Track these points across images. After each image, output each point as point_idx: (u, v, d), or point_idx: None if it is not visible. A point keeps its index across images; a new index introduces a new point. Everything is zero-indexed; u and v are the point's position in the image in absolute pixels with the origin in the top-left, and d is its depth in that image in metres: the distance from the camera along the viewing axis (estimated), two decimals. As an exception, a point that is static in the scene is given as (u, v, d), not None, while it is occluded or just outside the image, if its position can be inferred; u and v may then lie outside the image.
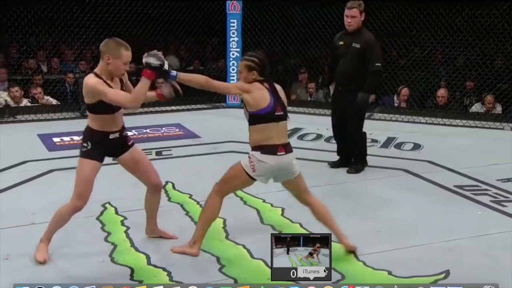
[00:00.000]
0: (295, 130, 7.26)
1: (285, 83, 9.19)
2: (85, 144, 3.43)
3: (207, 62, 10.40)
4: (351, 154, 5.41)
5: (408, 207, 4.47)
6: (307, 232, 3.91)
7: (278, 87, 3.40)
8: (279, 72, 9.36)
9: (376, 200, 4.65)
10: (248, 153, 3.41)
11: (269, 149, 3.32)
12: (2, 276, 3.32)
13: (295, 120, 7.72)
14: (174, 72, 3.28)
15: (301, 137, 6.98)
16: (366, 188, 4.97)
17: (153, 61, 3.15)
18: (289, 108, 7.70)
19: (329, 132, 7.11)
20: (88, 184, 3.43)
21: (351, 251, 3.57)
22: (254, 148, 3.36)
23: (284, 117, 3.39)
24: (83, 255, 3.61)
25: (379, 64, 5.04)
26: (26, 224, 4.10)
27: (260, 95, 3.30)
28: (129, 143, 3.55)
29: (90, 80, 3.26)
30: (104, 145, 3.42)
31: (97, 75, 3.29)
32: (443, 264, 3.49)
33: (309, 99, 9.03)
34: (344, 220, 4.13)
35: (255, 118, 3.33)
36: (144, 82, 3.16)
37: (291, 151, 3.44)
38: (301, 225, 4.07)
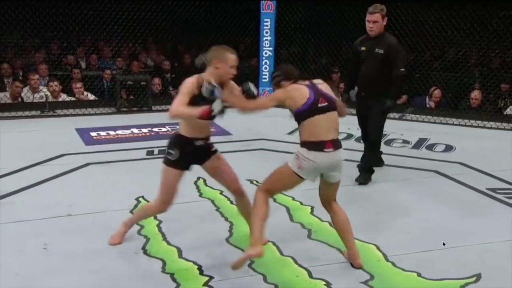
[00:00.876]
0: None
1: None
2: (170, 151, 3.38)
3: (240, 61, 10.41)
4: (365, 160, 5.12)
5: (439, 209, 4.39)
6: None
7: (318, 81, 3.32)
8: (311, 71, 9.31)
9: (406, 202, 4.58)
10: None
11: (316, 146, 3.17)
12: (41, 265, 3.40)
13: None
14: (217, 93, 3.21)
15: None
16: (397, 189, 4.91)
17: (205, 92, 3.17)
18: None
19: (360, 132, 7.08)
20: (171, 191, 3.45)
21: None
22: (302, 145, 3.23)
23: (330, 108, 3.23)
24: (118, 246, 3.65)
25: (404, 69, 4.86)
26: (63, 216, 4.18)
27: (299, 94, 3.21)
28: (212, 150, 3.51)
29: (187, 79, 3.28)
30: (190, 152, 3.38)
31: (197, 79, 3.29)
32: (473, 268, 3.41)
33: (340, 98, 8.95)
34: (374, 220, 4.09)
35: (300, 116, 3.22)
36: (193, 112, 3.15)
37: (340, 147, 3.27)
38: (330, 224, 4.04)
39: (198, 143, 3.37)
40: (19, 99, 7.75)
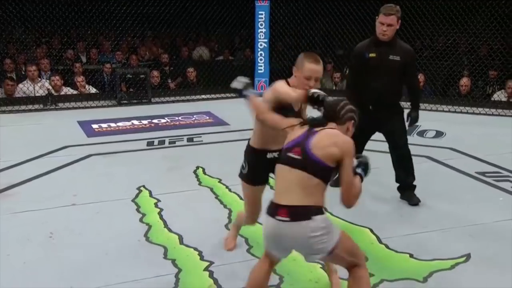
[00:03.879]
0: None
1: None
2: (243, 164, 3.06)
3: (236, 52, 10.40)
4: (404, 179, 4.33)
5: (430, 192, 4.41)
6: (332, 218, 3.90)
7: (326, 131, 2.45)
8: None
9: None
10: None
11: (269, 208, 2.47)
12: (47, 251, 3.41)
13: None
14: (247, 93, 3.03)
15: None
16: (390, 173, 4.93)
17: (236, 85, 3.07)
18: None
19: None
20: (253, 205, 3.11)
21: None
22: None
23: (300, 164, 2.38)
24: (121, 234, 3.66)
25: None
26: (68, 205, 4.18)
27: (293, 132, 2.56)
28: None
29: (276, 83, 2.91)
30: (260, 166, 2.95)
31: (287, 83, 2.92)
32: (464, 248, 3.44)
33: (334, 88, 8.98)
34: (367, 204, 4.10)
35: None
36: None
37: (303, 218, 2.33)
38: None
39: (269, 156, 2.90)
40: (16, 95, 7.68)
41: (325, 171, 2.38)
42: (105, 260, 3.31)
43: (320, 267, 3.14)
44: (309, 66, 2.78)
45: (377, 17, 4.04)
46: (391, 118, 4.16)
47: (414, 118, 4.25)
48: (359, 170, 2.53)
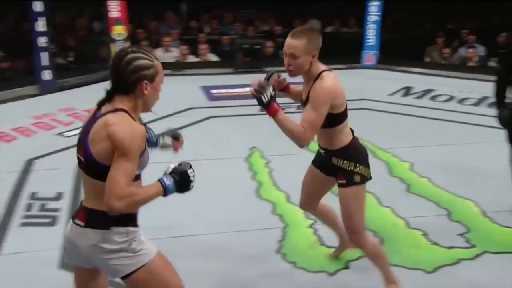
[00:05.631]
0: (428, 91, 6.84)
1: (420, 46, 8.63)
2: None
3: (347, 24, 10.04)
4: None
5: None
6: (437, 189, 3.71)
7: (105, 119, 1.66)
8: (415, 36, 8.79)
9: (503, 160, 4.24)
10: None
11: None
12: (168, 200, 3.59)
13: (428, 81, 7.36)
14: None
15: (433, 98, 6.56)
16: (493, 147, 4.55)
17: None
18: (422, 70, 7.15)
19: (462, 94, 6.61)
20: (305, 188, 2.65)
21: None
22: None
23: (83, 166, 1.72)
24: (235, 189, 3.76)
25: None
26: (190, 160, 4.33)
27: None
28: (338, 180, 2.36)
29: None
30: (318, 159, 2.55)
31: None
32: None
33: (442, 62, 8.40)
34: (472, 178, 3.83)
35: None
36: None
37: (100, 227, 1.70)
38: (429, 180, 3.86)
39: (322, 152, 2.47)
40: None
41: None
42: (220, 212, 3.42)
43: (421, 234, 3.01)
44: (286, 41, 2.18)
45: None
46: None
47: None
48: (165, 180, 1.73)
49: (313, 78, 2.18)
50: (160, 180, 1.72)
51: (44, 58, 6.35)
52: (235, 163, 4.27)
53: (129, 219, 1.74)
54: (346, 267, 2.74)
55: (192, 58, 8.30)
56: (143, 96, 1.72)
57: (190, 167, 1.81)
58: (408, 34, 8.80)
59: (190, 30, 9.17)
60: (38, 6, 6.18)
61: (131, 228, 1.74)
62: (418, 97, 6.66)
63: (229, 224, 3.22)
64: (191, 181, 1.79)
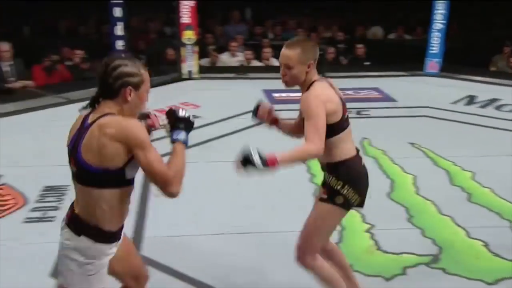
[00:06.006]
0: (493, 100, 6.54)
1: (485, 54, 8.27)
2: None
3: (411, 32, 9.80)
4: None
5: None
6: (500, 200, 3.55)
7: (98, 124, 1.66)
8: (480, 44, 8.43)
9: None
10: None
11: None
12: (235, 195, 3.68)
13: (493, 90, 7.03)
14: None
15: (498, 108, 6.26)
16: None
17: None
18: (488, 79, 6.85)
19: None
20: None
21: None
22: None
23: (76, 176, 1.73)
24: (292, 189, 3.76)
25: None
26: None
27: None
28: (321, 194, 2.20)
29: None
30: None
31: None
32: None
33: (510, 72, 8.00)
34: None
35: None
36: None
37: (75, 231, 1.72)
38: (491, 190, 3.70)
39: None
40: (219, 64, 8.27)
41: (112, 175, 1.65)
42: (276, 212, 3.44)
43: (482, 244, 2.90)
44: (281, 51, 2.11)
45: None
46: None
47: None
48: (178, 136, 1.75)
49: (306, 89, 2.10)
50: (174, 140, 1.76)
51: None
52: (294, 168, 4.27)
53: (106, 235, 1.72)
54: (403, 273, 2.69)
55: (255, 63, 8.39)
56: (126, 102, 1.70)
57: (178, 110, 1.81)
58: (473, 42, 8.44)
59: (254, 36, 9.29)
60: (117, 12, 6.50)
61: (99, 245, 1.70)
62: (482, 106, 6.38)
63: (286, 223, 3.23)
64: (189, 117, 1.79)
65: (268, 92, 7.02)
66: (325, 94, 2.05)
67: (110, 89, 1.68)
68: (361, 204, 2.17)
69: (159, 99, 6.41)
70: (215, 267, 2.75)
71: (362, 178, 2.17)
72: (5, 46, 6.01)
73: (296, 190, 3.77)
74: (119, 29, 6.54)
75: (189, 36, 7.52)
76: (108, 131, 1.61)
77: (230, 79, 7.82)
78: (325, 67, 8.17)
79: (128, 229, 3.02)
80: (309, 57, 2.07)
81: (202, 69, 7.85)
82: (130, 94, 1.69)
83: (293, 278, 2.59)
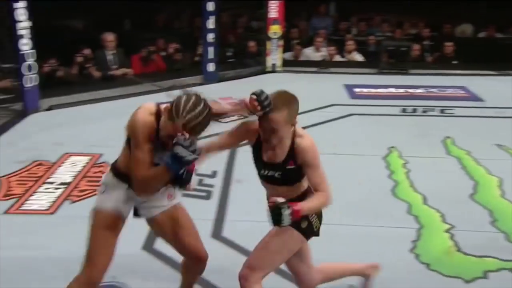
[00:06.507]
0: None
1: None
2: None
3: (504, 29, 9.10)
4: None
5: None
6: None
7: None
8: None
9: None
10: None
11: None
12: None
13: None
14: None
15: None
16: None
17: None
18: None
19: None
20: None
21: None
22: None
23: None
24: (370, 185, 3.68)
25: None
26: (330, 153, 4.28)
27: None
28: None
29: None
30: None
31: None
32: None
33: None
34: None
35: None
36: None
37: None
38: None
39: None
40: (302, 58, 8.23)
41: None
42: (352, 205, 3.37)
43: None
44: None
45: None
46: None
47: None
48: (168, 159, 1.74)
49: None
50: (166, 161, 1.77)
51: (210, 52, 6.86)
52: (372, 160, 4.19)
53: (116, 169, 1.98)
54: (484, 276, 2.54)
55: (338, 58, 8.26)
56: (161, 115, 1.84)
57: (182, 141, 1.71)
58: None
59: (338, 31, 9.13)
60: (210, 6, 6.67)
61: (110, 174, 1.98)
62: None
63: (361, 217, 3.18)
64: (182, 156, 1.70)
65: (349, 87, 6.89)
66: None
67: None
68: (318, 232, 2.03)
69: (244, 90, 6.53)
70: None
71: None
72: (110, 37, 6.40)
73: (373, 186, 3.68)
74: (210, 23, 6.72)
75: (275, 30, 7.55)
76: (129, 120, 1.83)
77: (312, 73, 7.76)
78: (410, 64, 7.88)
79: (210, 213, 3.14)
80: (293, 115, 1.91)
81: (285, 63, 7.85)
82: (165, 115, 1.75)
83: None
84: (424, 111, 5.78)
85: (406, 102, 6.14)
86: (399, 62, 7.83)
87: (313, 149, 1.93)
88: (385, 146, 4.49)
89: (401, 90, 6.74)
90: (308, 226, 1.96)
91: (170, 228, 2.01)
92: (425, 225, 3.06)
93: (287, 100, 1.91)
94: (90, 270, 1.90)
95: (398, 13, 9.58)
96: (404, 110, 5.81)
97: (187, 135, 1.70)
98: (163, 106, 1.80)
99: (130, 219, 2.00)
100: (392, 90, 6.78)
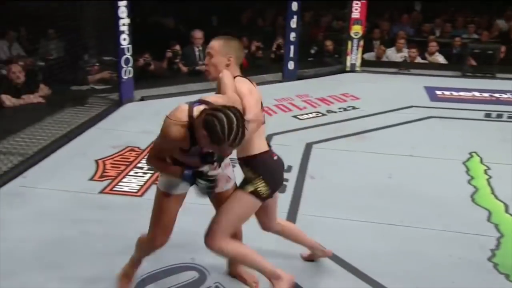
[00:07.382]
0: None
1: None
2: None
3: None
4: None
5: None
6: None
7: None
8: None
9: None
10: None
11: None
12: (391, 187, 3.57)
13: None
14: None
15: None
16: None
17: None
18: None
19: None
20: None
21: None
22: None
23: None
24: (448, 190, 3.50)
25: None
26: (406, 155, 4.21)
27: None
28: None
29: None
30: None
31: None
32: None
33: None
34: None
35: None
36: None
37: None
38: None
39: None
40: (383, 59, 7.97)
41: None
42: (426, 208, 3.23)
43: None
44: None
45: None
46: None
47: None
48: (186, 172, 1.94)
49: None
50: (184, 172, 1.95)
51: (291, 51, 6.86)
52: (452, 165, 3.97)
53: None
54: None
55: (419, 60, 7.91)
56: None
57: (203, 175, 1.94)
58: None
59: (422, 33, 8.74)
60: (294, 6, 6.67)
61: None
62: None
63: (435, 222, 3.04)
64: (201, 184, 1.94)
65: (430, 89, 6.59)
66: (249, 86, 2.06)
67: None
68: (270, 196, 2.15)
69: (322, 88, 6.49)
70: (357, 250, 2.70)
71: (276, 172, 2.14)
72: (199, 34, 6.62)
73: (451, 191, 3.50)
74: (293, 22, 6.71)
75: (356, 30, 7.40)
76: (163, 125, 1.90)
77: (391, 74, 7.50)
78: (496, 67, 7.35)
79: (285, 206, 3.15)
80: (230, 51, 2.07)
81: (364, 63, 7.66)
82: (202, 133, 1.75)
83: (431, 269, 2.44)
84: (510, 117, 5.38)
85: (490, 106, 5.76)
86: (484, 66, 7.34)
87: (239, 85, 2.02)
88: (465, 151, 4.25)
89: (486, 94, 6.33)
90: (254, 190, 2.08)
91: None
92: (507, 234, 2.86)
93: (229, 38, 2.12)
94: (154, 232, 2.11)
95: (488, 14, 8.98)
96: (488, 115, 5.45)
97: (217, 166, 2.00)
98: (196, 108, 1.81)
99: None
100: (476, 94, 6.38)
